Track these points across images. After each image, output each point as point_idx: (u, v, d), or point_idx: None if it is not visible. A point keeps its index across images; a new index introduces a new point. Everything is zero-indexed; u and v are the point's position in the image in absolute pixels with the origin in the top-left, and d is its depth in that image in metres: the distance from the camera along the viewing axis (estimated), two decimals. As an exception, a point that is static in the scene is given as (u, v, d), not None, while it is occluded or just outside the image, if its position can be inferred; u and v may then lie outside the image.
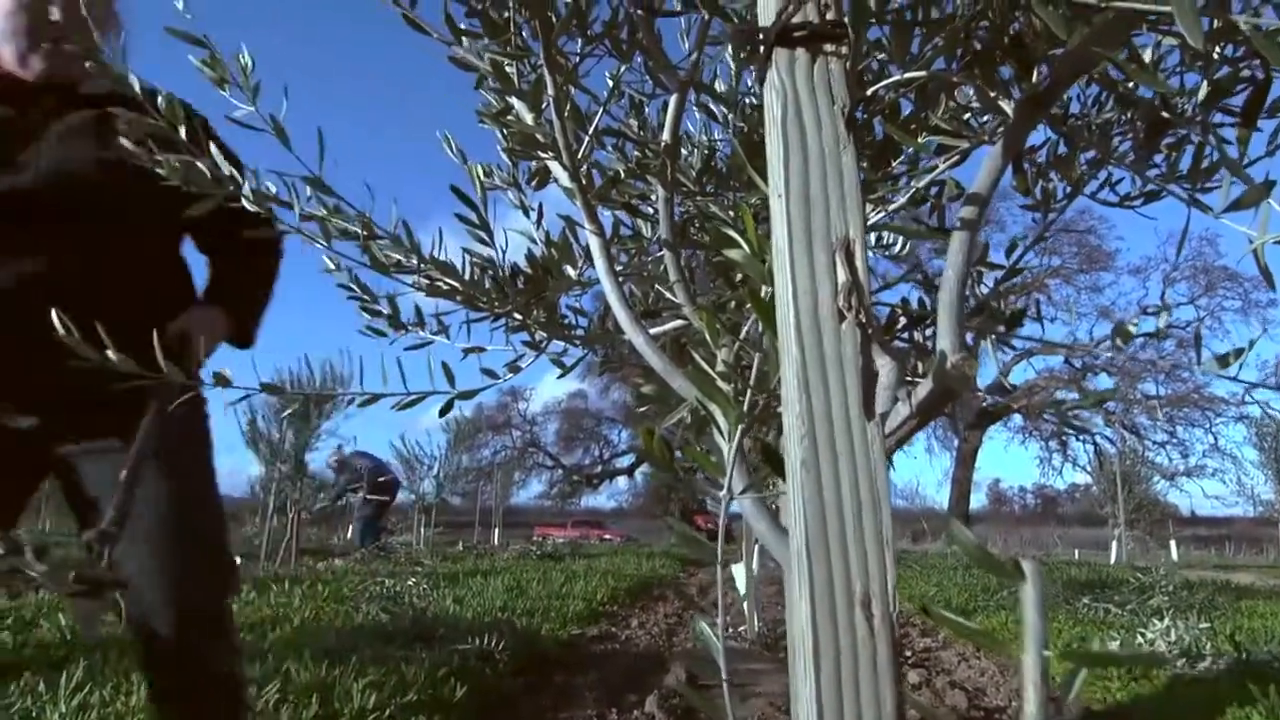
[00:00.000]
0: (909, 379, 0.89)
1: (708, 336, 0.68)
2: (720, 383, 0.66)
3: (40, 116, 1.32)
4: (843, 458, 0.42)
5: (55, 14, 1.30)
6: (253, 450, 11.61)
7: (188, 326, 1.43)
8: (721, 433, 0.65)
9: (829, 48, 0.48)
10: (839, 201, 0.46)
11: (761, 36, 0.47)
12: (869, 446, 0.42)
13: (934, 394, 0.59)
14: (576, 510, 37.44)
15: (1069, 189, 0.93)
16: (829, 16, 0.48)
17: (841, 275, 0.45)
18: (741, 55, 0.90)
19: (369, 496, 12.19)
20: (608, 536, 28.90)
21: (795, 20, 0.48)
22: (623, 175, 1.00)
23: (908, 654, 4.73)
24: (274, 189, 1.04)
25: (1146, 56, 0.74)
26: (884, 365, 0.70)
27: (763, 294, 0.62)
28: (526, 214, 1.23)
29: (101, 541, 1.27)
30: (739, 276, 0.88)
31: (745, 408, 0.65)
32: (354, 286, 1.17)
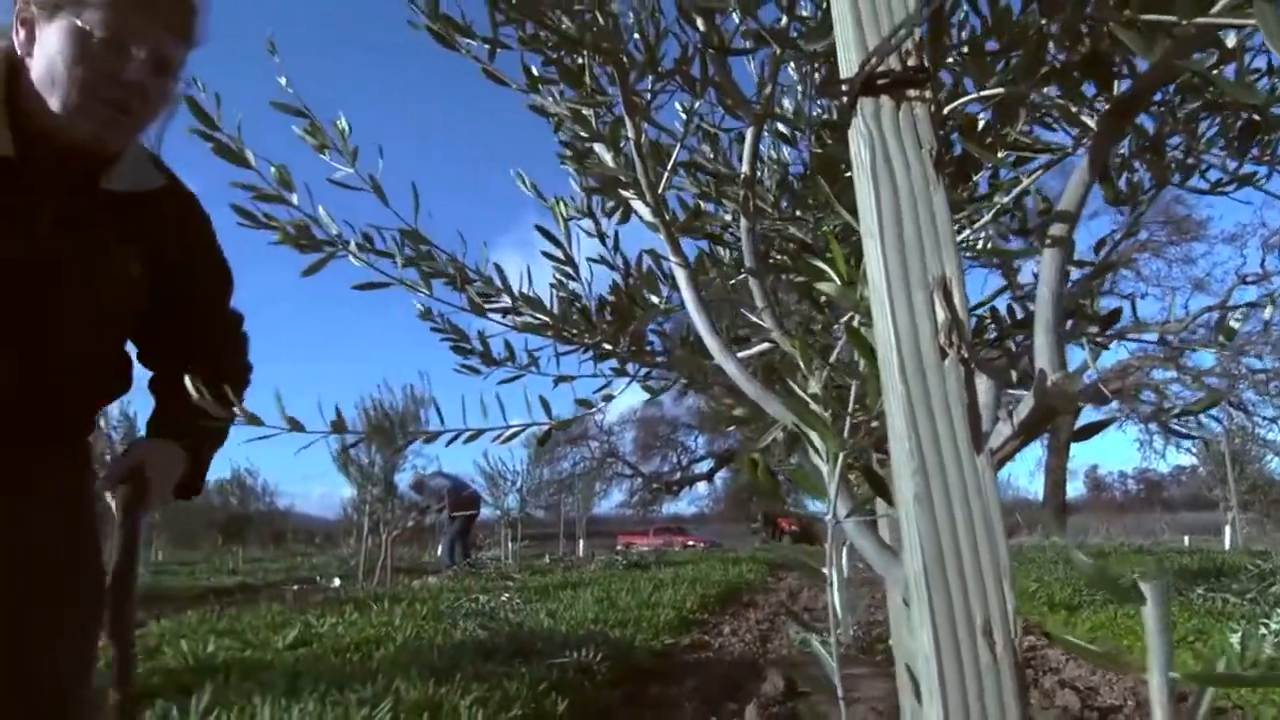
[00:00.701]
0: (1009, 389, 0.89)
1: (800, 362, 0.70)
2: (815, 407, 0.68)
3: (62, 186, 1.14)
4: (954, 491, 0.44)
5: (131, 73, 1.10)
6: (344, 474, 12.06)
7: (145, 471, 1.25)
8: (819, 454, 0.67)
9: (913, 93, 0.49)
10: (933, 242, 0.47)
11: (846, 87, 0.49)
12: (980, 479, 0.44)
13: (1036, 413, 0.59)
14: (658, 517, 37.53)
15: (1156, 181, 0.92)
16: (911, 63, 0.49)
17: (941, 314, 0.46)
18: (812, 90, 0.91)
19: (453, 514, 12.49)
20: (691, 542, 28.82)
21: (879, 69, 0.49)
22: (703, 207, 1.03)
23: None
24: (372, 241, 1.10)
25: (1230, 42, 0.73)
26: (982, 385, 0.71)
27: (856, 324, 0.64)
28: (603, 241, 1.27)
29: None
30: (824, 299, 0.89)
31: (845, 432, 0.67)
32: (446, 329, 1.23)
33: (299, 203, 0.99)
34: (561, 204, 1.23)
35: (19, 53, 1.13)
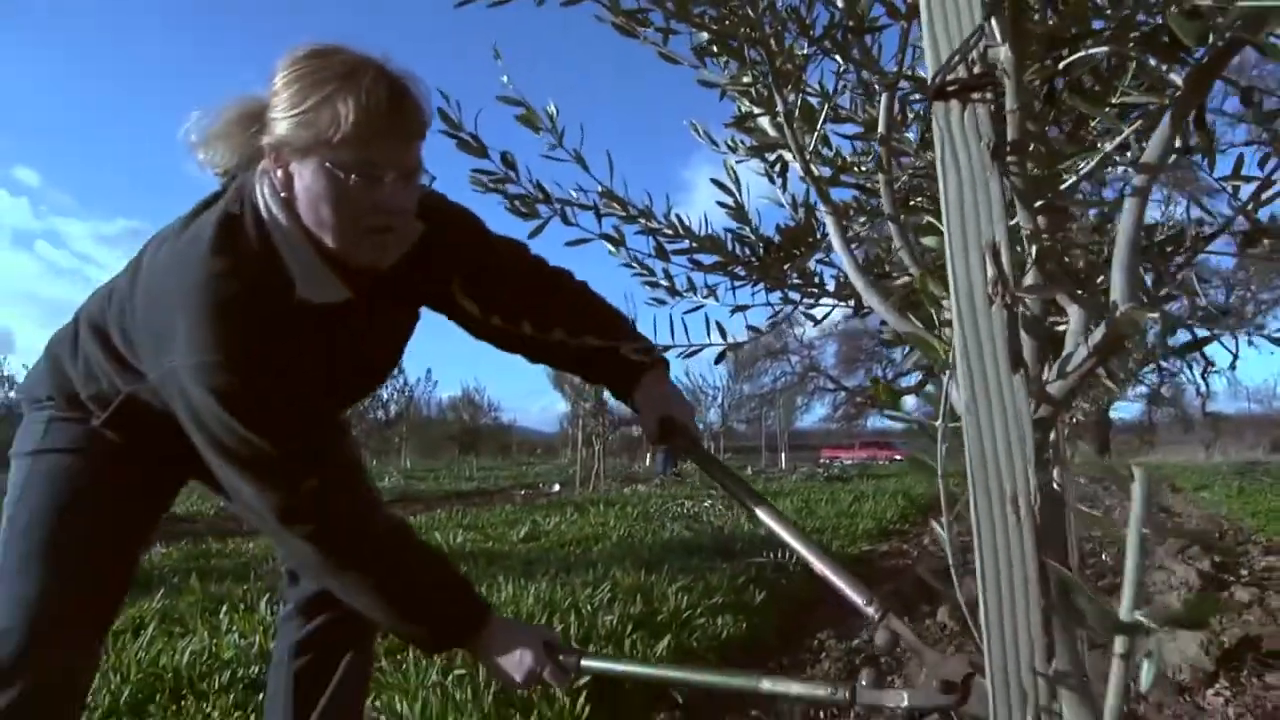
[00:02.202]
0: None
1: (923, 295, 0.86)
2: (923, 332, 0.84)
3: (362, 292, 1.22)
4: (994, 401, 0.60)
5: (388, 200, 1.11)
6: (559, 391, 13.07)
7: (678, 417, 1.40)
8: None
9: (976, 95, 0.63)
10: (987, 215, 0.61)
11: (925, 94, 0.63)
12: (1014, 392, 0.59)
13: (1107, 338, 0.73)
14: (863, 432, 36.95)
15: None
16: (976, 71, 0.63)
17: (991, 270, 0.61)
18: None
19: None
20: (898, 457, 28.20)
21: (950, 78, 0.64)
22: (848, 161, 1.17)
23: (1243, 573, 4.33)
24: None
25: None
26: (1074, 313, 0.83)
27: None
28: (771, 181, 1.43)
29: None
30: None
31: (947, 355, 0.82)
32: (637, 266, 1.46)
33: (522, 180, 1.24)
34: (731, 145, 1.39)
35: (280, 193, 1.13)
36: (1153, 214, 1.25)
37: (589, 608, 2.94)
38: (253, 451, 1.09)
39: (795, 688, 1.09)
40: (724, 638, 2.86)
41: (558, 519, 6.66)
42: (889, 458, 27.68)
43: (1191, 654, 2.52)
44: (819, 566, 1.21)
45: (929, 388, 0.94)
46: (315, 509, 1.13)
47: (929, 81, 0.65)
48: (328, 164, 1.08)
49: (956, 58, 0.63)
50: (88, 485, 1.27)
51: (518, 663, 1.18)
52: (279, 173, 1.13)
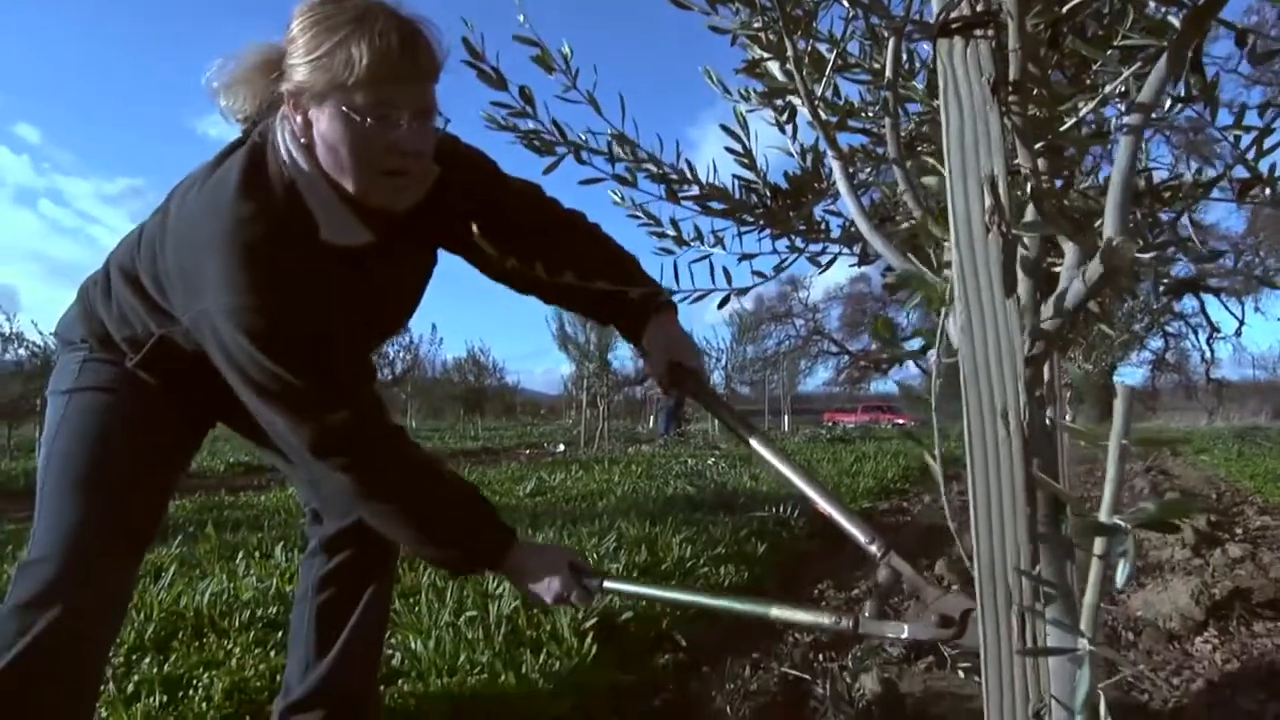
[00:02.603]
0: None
1: (922, 237, 0.90)
2: (923, 270, 0.88)
3: (382, 234, 1.25)
4: (989, 322, 0.64)
5: (404, 141, 1.13)
6: (563, 352, 13.15)
7: (687, 361, 1.45)
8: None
9: (978, 32, 0.66)
10: (986, 147, 0.65)
11: (929, 30, 0.66)
12: (1007, 314, 0.63)
13: (1100, 272, 0.76)
14: (867, 396, 37.05)
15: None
16: (978, 9, 0.66)
17: (988, 200, 0.64)
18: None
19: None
20: (900, 421, 28.31)
21: (953, 15, 0.66)
22: (855, 106, 1.19)
23: (1238, 531, 4.40)
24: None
25: None
26: (1069, 249, 0.87)
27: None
28: (781, 130, 1.45)
29: None
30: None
31: (947, 294, 0.86)
32: (643, 215, 1.49)
33: (539, 117, 1.27)
34: (743, 94, 1.41)
35: (300, 139, 1.16)
36: (1160, 173, 1.28)
37: (595, 556, 3.02)
38: (285, 387, 1.12)
39: (802, 615, 1.15)
40: (726, 586, 2.94)
41: (563, 476, 6.75)
42: (891, 421, 27.80)
43: (1183, 604, 2.59)
44: (824, 505, 1.26)
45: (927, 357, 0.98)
46: (348, 440, 1.16)
47: (934, 18, 0.68)
48: (344, 108, 1.10)
49: (958, 1, 0.66)
50: (121, 420, 1.31)
51: (546, 585, 1.25)
52: (298, 118, 1.15)
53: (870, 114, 1.19)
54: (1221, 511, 5.15)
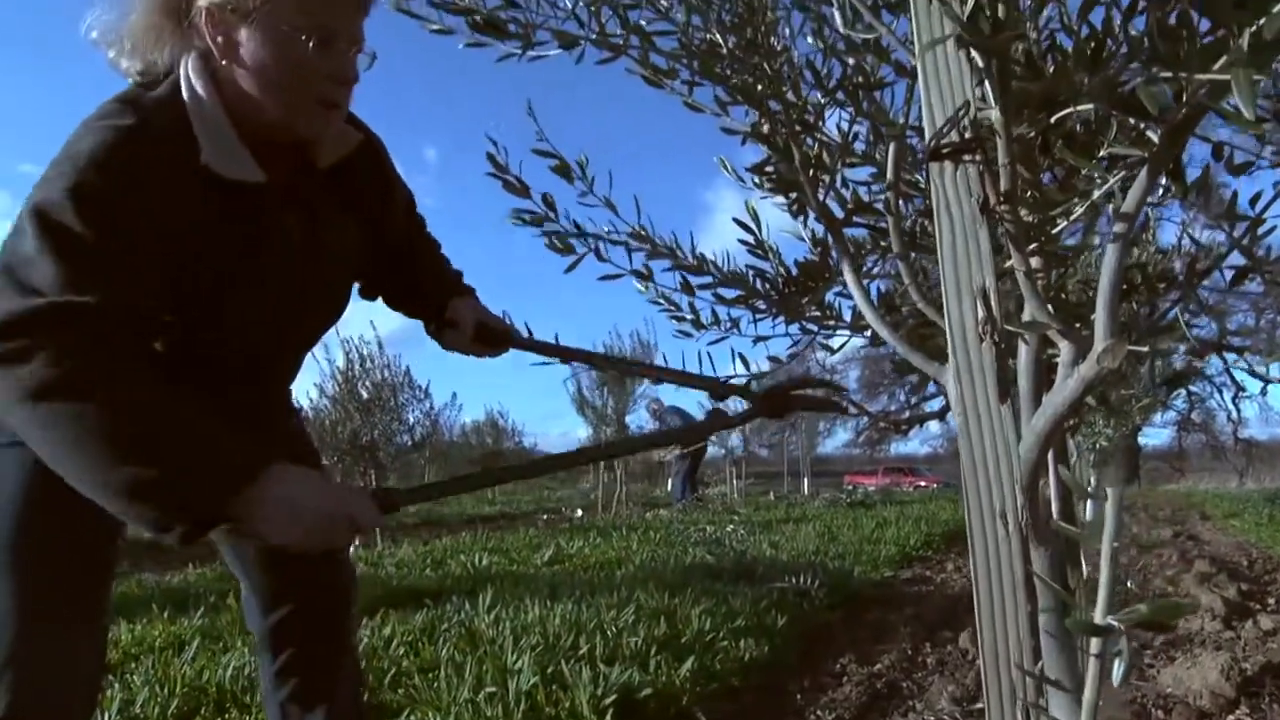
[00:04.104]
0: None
1: (935, 319, 0.94)
2: (919, 360, 0.92)
3: (293, 183, 1.17)
4: (985, 426, 0.68)
5: (340, 69, 1.09)
6: (580, 415, 13.18)
7: (490, 321, 1.43)
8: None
9: (966, 157, 0.72)
10: (978, 263, 0.70)
11: (922, 154, 0.72)
12: (1002, 420, 0.67)
13: (1092, 369, 0.80)
14: (887, 457, 36.59)
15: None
16: (966, 136, 0.72)
17: (981, 312, 0.69)
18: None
19: (684, 452, 13.11)
20: (922, 483, 27.91)
21: (943, 142, 0.72)
22: (862, 203, 1.26)
23: (1270, 601, 4.30)
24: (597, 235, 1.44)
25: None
26: (1064, 347, 0.91)
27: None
28: (793, 216, 1.52)
29: None
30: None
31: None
32: (664, 302, 1.55)
33: (560, 219, 1.35)
34: (756, 182, 1.48)
35: (215, 59, 1.08)
36: (1168, 238, 1.33)
37: (614, 629, 3.01)
38: (28, 252, 0.91)
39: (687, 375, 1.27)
40: (746, 660, 2.91)
41: (581, 543, 6.72)
42: (912, 484, 27.40)
43: (1213, 680, 2.54)
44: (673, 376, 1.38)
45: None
46: (54, 328, 0.89)
47: (925, 144, 0.74)
48: (284, 26, 1.04)
49: (948, 126, 0.72)
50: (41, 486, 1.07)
51: (314, 511, 0.95)
52: (219, 39, 1.06)
53: (875, 204, 1.25)
54: (1253, 580, 5.04)
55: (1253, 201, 1.18)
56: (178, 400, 0.94)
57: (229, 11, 1.05)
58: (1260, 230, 1.15)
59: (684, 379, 1.33)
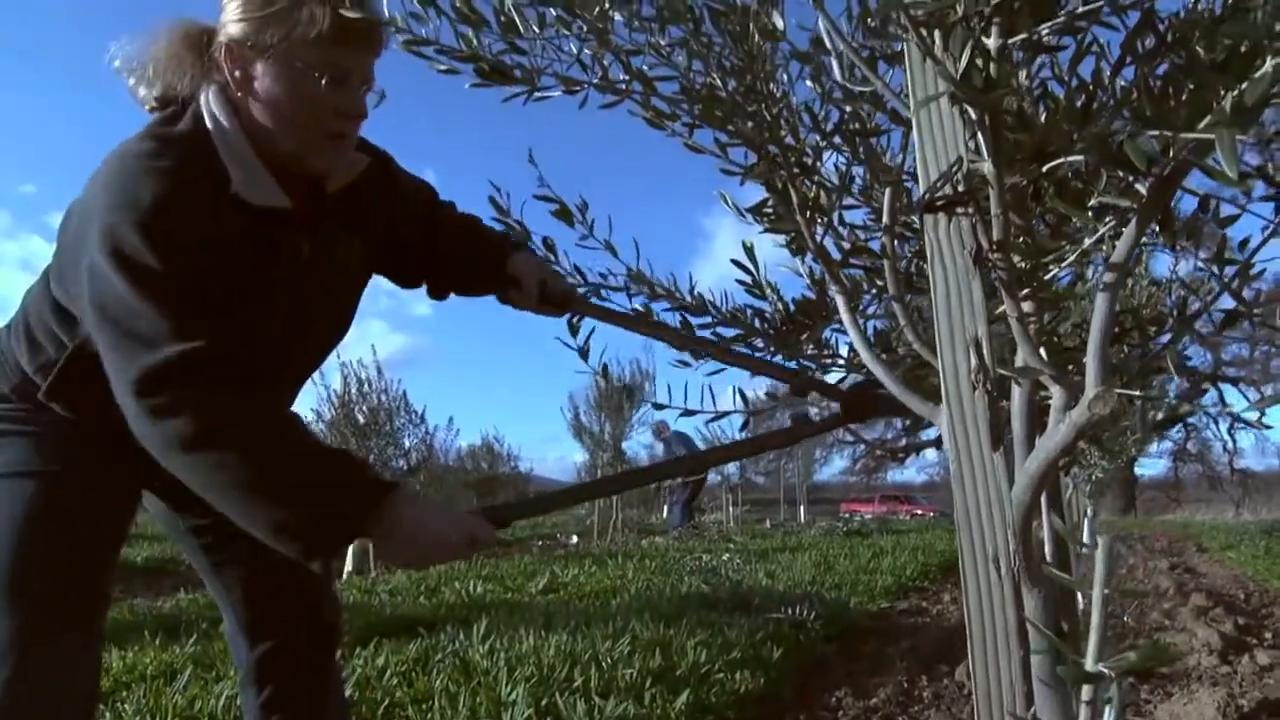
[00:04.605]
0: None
1: (931, 360, 0.96)
2: (914, 402, 0.94)
3: (306, 206, 1.21)
4: (978, 472, 0.69)
5: (352, 105, 1.14)
6: (577, 440, 13.16)
7: (552, 281, 1.40)
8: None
9: (959, 210, 0.74)
10: (970, 313, 0.72)
11: (917, 206, 0.74)
12: (994, 467, 0.69)
13: (1083, 416, 0.82)
14: (884, 485, 36.54)
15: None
16: (960, 190, 0.74)
17: (974, 361, 0.71)
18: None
19: (685, 480, 13.03)
20: (919, 511, 27.83)
21: (937, 195, 0.75)
22: (858, 244, 1.28)
23: (1267, 635, 4.29)
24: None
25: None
26: (1056, 391, 0.93)
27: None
28: (792, 254, 1.54)
29: None
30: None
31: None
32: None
33: (560, 263, 1.37)
34: (756, 218, 1.50)
35: (233, 91, 1.13)
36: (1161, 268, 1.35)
37: (609, 661, 2.99)
38: (128, 310, 1.00)
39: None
40: (742, 693, 2.89)
41: (576, 571, 6.69)
42: (909, 512, 27.34)
43: (1209, 716, 2.53)
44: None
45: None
46: (178, 378, 0.99)
47: (920, 196, 0.76)
48: (299, 63, 1.10)
49: (942, 181, 0.75)
50: (45, 508, 1.16)
51: (438, 537, 1.04)
52: (236, 72, 1.12)
53: (870, 241, 1.27)
54: (1250, 614, 5.03)
55: (1242, 245, 1.20)
56: (296, 430, 1.05)
57: (248, 47, 1.11)
58: (1250, 273, 1.18)
59: (763, 367, 1.32)
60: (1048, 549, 1.03)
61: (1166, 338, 1.28)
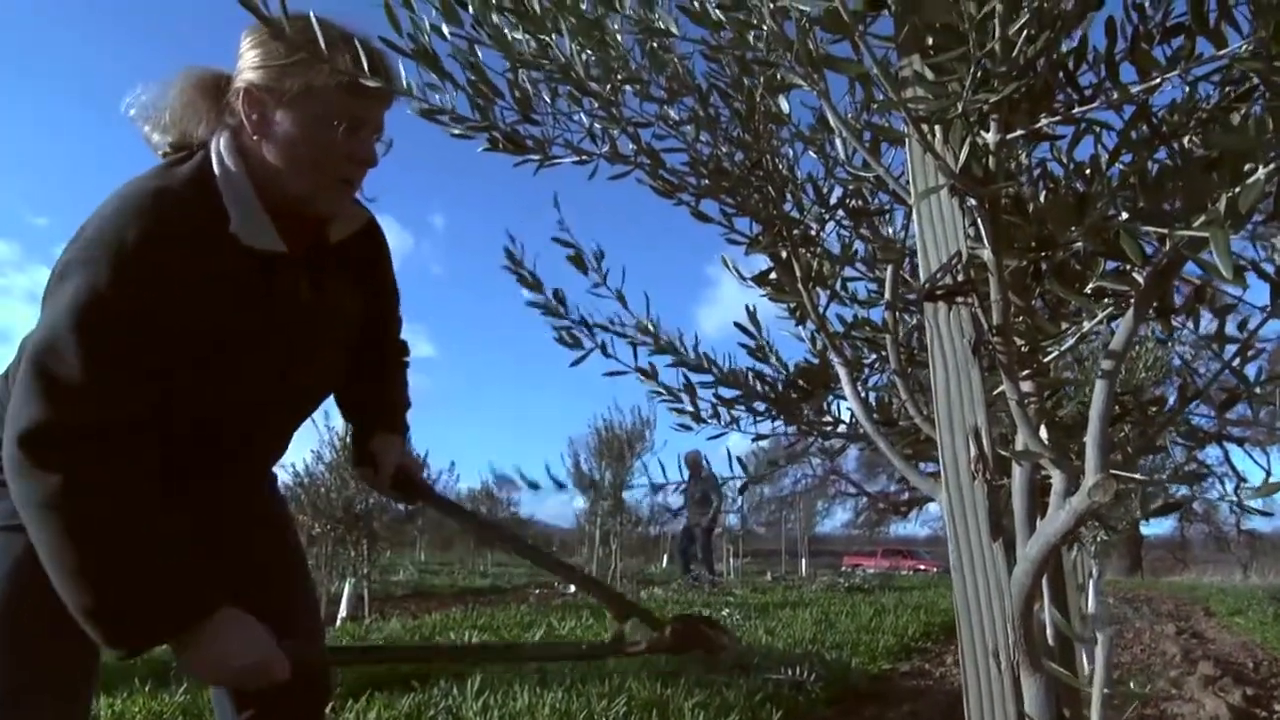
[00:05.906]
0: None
1: (932, 434, 0.96)
2: (918, 478, 0.94)
3: (307, 252, 1.23)
4: (977, 562, 0.69)
5: (365, 152, 1.19)
6: (577, 488, 13.07)
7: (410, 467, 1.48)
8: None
9: (959, 299, 0.75)
10: (970, 401, 0.73)
11: (916, 295, 0.75)
12: (994, 556, 0.69)
13: (1083, 503, 0.82)
14: (887, 539, 36.10)
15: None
16: (959, 280, 0.75)
17: (973, 450, 0.71)
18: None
19: (708, 526, 12.69)
20: (922, 567, 27.44)
21: (938, 284, 0.76)
22: (860, 319, 1.30)
23: (1277, 707, 4.19)
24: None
25: None
26: (1056, 475, 0.93)
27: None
28: (796, 323, 1.56)
29: None
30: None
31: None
32: (665, 393, 1.57)
33: (569, 314, 1.39)
34: (753, 307, 1.52)
35: (246, 135, 1.16)
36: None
37: (605, 720, 2.94)
38: (62, 359, 1.00)
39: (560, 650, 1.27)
40: (740, 758, 2.84)
41: (574, 623, 6.58)
42: (912, 567, 26.97)
43: (1219, 795, 2.47)
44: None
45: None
46: (75, 445, 1.00)
47: (920, 286, 0.78)
48: (317, 110, 1.13)
49: (942, 272, 0.76)
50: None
51: (240, 658, 1.06)
52: (254, 115, 1.15)
53: (872, 309, 1.29)
54: (1259, 684, 4.93)
55: (1241, 326, 1.22)
56: (153, 524, 1.04)
57: (267, 93, 1.15)
58: (1249, 353, 1.19)
59: (592, 586, 1.37)
60: (1049, 632, 1.02)
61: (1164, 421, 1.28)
